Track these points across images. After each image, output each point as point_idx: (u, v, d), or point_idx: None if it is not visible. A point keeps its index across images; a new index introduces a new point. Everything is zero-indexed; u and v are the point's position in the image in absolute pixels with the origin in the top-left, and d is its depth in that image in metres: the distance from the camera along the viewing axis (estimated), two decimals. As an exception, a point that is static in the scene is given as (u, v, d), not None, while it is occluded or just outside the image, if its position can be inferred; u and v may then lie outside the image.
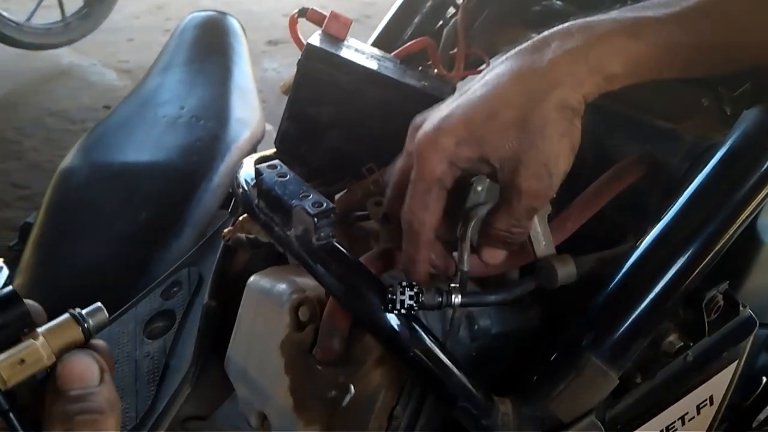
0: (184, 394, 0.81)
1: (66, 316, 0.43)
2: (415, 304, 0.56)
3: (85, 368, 0.41)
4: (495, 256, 0.63)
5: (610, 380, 0.60)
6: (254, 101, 1.99)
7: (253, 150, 1.90)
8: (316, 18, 0.83)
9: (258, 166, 0.65)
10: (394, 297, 0.56)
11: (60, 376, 0.40)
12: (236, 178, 0.72)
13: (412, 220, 0.59)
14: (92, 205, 1.62)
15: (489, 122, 0.56)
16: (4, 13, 2.92)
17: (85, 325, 0.43)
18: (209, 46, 2.07)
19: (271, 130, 2.05)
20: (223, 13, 2.22)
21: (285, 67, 3.19)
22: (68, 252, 1.56)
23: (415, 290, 0.56)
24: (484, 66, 0.96)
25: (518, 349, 0.73)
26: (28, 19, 3.05)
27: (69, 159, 1.76)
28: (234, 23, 2.17)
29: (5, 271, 1.78)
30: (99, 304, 0.45)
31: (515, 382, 0.66)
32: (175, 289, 0.92)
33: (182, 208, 1.62)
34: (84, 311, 0.44)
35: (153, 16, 3.89)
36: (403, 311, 0.56)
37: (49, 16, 3.15)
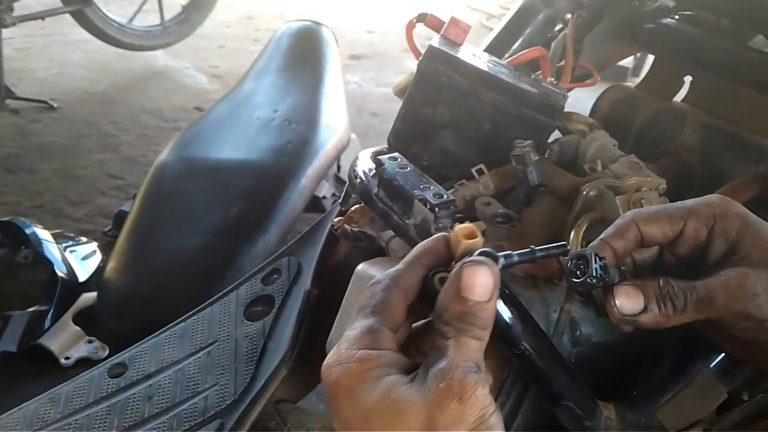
0: (281, 375, 0.84)
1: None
2: (605, 275, 0.53)
3: (484, 282, 0.43)
4: None
5: (719, 393, 0.60)
6: (342, 109, 2.05)
7: (339, 156, 1.97)
8: (433, 23, 0.86)
9: (380, 157, 0.67)
10: (588, 263, 0.52)
11: (463, 283, 0.42)
12: (353, 169, 0.75)
13: None
14: (186, 197, 1.70)
15: None
16: (109, 14, 3.10)
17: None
18: (303, 54, 2.15)
19: (355, 139, 2.11)
20: (318, 23, 2.31)
21: (366, 81, 3.25)
22: (161, 240, 1.64)
23: (604, 262, 0.53)
24: (591, 80, 0.97)
25: (617, 360, 0.73)
26: (130, 21, 3.22)
27: (166, 153, 1.86)
28: (328, 33, 2.25)
29: (98, 255, 1.89)
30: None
31: (613, 392, 0.66)
32: (275, 276, 0.96)
33: (271, 206, 1.69)
34: None
35: (243, 26, 4.05)
36: (594, 280, 0.52)
37: (148, 19, 3.32)
